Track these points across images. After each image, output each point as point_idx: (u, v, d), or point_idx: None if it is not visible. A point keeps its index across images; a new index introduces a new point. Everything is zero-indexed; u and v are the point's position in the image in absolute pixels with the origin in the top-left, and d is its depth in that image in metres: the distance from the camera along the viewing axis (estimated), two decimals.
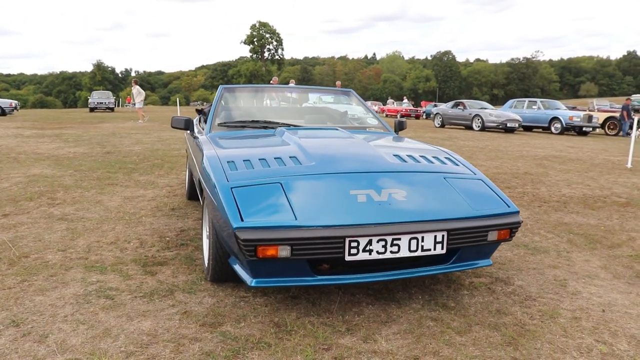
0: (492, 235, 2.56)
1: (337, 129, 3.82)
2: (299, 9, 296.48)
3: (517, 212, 2.68)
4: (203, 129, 4.06)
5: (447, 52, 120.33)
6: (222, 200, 2.42)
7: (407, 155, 3.05)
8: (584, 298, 2.91)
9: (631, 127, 18.43)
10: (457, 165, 3.08)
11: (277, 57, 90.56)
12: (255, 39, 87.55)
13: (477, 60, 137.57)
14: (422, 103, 43.14)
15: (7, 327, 2.33)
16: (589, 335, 2.46)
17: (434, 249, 2.42)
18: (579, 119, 17.88)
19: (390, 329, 2.43)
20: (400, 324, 2.48)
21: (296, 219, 2.29)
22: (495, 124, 18.53)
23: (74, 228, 3.96)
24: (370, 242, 2.31)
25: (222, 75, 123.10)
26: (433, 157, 3.13)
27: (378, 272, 2.46)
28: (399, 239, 2.34)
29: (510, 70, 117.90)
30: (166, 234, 3.90)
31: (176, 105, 25.68)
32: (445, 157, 3.17)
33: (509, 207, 2.69)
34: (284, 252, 2.22)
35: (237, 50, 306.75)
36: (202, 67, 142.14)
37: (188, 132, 4.63)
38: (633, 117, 18.73)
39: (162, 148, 9.36)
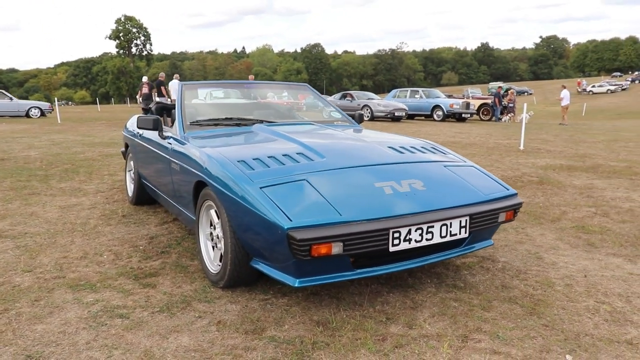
0: (502, 217, 2.75)
1: (312, 124, 3.82)
2: (163, 2, 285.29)
3: (516, 194, 2.91)
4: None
5: (317, 45, 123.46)
6: (256, 201, 2.33)
7: (400, 147, 3.15)
8: (563, 267, 3.24)
9: (502, 113, 20.42)
10: (445, 154, 3.25)
11: (145, 52, 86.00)
12: (121, 34, 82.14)
13: (345, 52, 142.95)
14: (300, 96, 43.56)
15: None
16: (588, 298, 2.76)
17: (460, 234, 2.55)
18: (458, 107, 19.42)
19: (423, 313, 2.53)
20: (429, 308, 2.59)
21: (341, 215, 2.28)
22: (384, 114, 19.48)
23: (25, 245, 3.52)
24: (409, 232, 2.37)
25: (85, 72, 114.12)
26: (421, 147, 3.26)
27: (411, 259, 2.53)
28: (433, 227, 2.44)
29: (377, 61, 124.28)
30: (136, 242, 3.62)
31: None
32: (432, 147, 3.32)
33: (508, 190, 2.90)
34: (337, 248, 2.20)
35: (101, 45, 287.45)
36: (63, 64, 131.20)
37: (139, 132, 4.32)
38: (504, 103, 20.78)
39: (62, 152, 8.53)
